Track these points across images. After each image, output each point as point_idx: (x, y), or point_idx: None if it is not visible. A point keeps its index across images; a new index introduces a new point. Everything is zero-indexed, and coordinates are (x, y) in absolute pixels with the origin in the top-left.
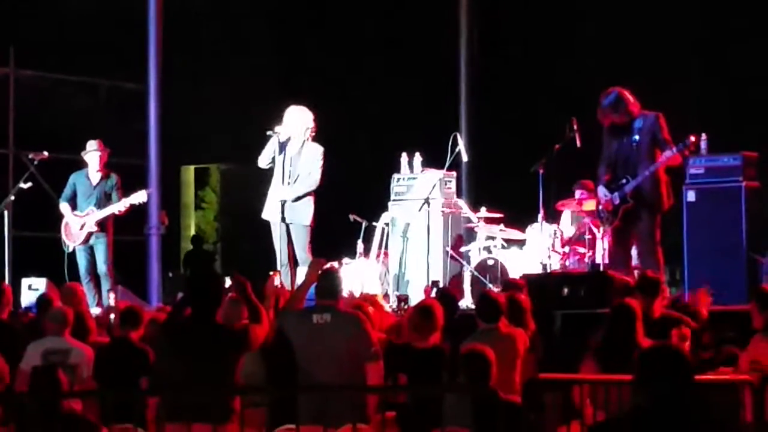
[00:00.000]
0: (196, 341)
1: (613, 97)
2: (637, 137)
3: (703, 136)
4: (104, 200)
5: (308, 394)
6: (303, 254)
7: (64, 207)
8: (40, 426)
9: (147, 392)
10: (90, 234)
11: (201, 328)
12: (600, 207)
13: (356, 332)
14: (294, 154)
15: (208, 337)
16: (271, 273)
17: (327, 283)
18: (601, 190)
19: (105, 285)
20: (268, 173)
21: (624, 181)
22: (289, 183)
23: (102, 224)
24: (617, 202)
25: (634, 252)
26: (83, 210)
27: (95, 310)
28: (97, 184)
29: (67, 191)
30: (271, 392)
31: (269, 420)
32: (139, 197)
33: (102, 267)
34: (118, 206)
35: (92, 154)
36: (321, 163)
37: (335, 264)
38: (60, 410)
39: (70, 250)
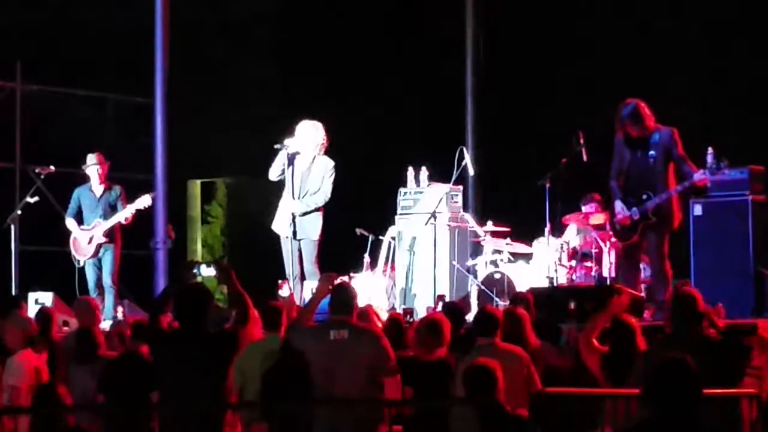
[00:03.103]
0: (185, 352)
1: (632, 108)
2: (653, 152)
3: (710, 149)
4: (109, 212)
5: (321, 408)
6: (311, 267)
7: (70, 223)
8: None
9: (150, 407)
10: (99, 246)
11: (189, 338)
12: (615, 221)
13: (376, 347)
14: (304, 169)
15: (196, 348)
16: (280, 282)
17: (341, 297)
18: (619, 205)
19: (109, 297)
20: (274, 187)
21: (645, 197)
22: (299, 197)
23: (110, 235)
24: (637, 217)
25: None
26: (90, 223)
27: (103, 324)
28: (101, 196)
29: (71, 206)
30: (275, 407)
31: None
32: (143, 201)
33: (107, 279)
34: (124, 213)
35: (92, 168)
36: (331, 178)
37: (345, 278)
38: (62, 426)
39: (81, 264)
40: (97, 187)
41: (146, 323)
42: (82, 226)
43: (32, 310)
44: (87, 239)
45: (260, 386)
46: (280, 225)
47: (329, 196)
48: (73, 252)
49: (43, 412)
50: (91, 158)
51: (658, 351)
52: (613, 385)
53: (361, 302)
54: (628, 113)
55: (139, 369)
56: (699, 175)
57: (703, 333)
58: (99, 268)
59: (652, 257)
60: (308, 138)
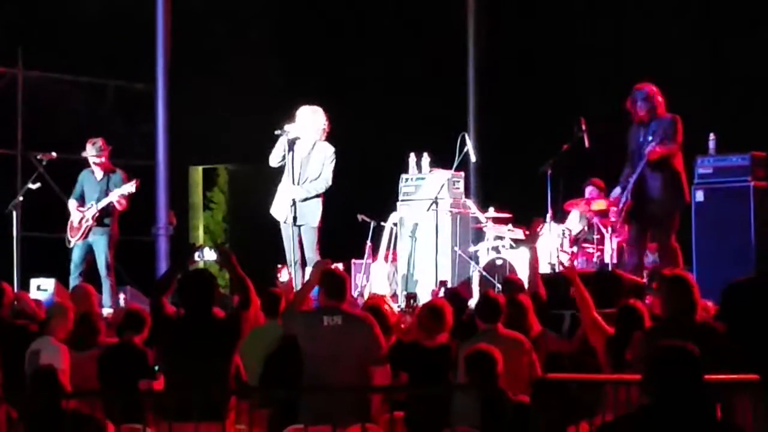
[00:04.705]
0: (191, 338)
1: (643, 91)
2: (650, 138)
3: (712, 135)
4: (106, 196)
5: (316, 394)
6: (312, 254)
7: (70, 204)
8: (47, 427)
9: (149, 393)
10: (88, 228)
11: (194, 323)
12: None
13: (367, 335)
14: (304, 155)
15: (203, 333)
16: (279, 265)
17: (334, 284)
18: (616, 190)
19: (105, 286)
20: (276, 173)
21: (631, 179)
22: (299, 183)
23: (99, 219)
24: (623, 200)
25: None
26: (87, 205)
27: (104, 311)
28: (101, 179)
29: (76, 189)
30: (279, 393)
31: (272, 421)
32: (128, 188)
33: (102, 269)
34: (110, 198)
35: (93, 160)
36: (332, 163)
37: (340, 265)
38: (64, 410)
39: (71, 245)
40: (98, 171)
41: (139, 313)
42: (79, 208)
43: (34, 296)
44: (78, 220)
45: (262, 372)
46: (278, 210)
47: (330, 182)
48: (67, 233)
49: (42, 398)
50: (91, 149)
51: (651, 339)
52: (616, 369)
53: (364, 288)
54: (635, 94)
55: (133, 360)
56: (646, 149)
57: (699, 321)
58: (87, 252)
59: (657, 242)
60: (308, 123)
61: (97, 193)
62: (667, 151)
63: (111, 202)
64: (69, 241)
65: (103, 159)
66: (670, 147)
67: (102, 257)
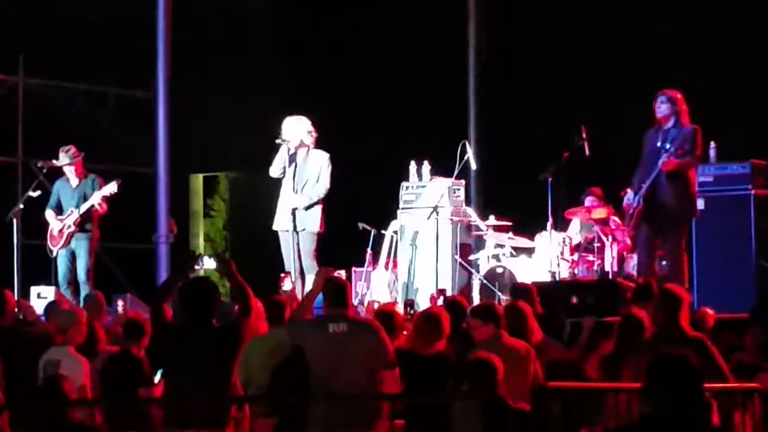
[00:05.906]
0: (192, 345)
1: (668, 95)
2: (668, 145)
3: (712, 144)
4: (84, 201)
5: (321, 402)
6: (308, 261)
7: (48, 214)
8: None
9: (149, 401)
10: (71, 235)
11: (195, 331)
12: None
13: (374, 340)
14: (300, 162)
15: (204, 341)
16: (282, 275)
17: (337, 291)
18: (629, 195)
19: (84, 292)
20: (276, 181)
21: (643, 185)
22: (297, 191)
23: (81, 225)
24: (635, 204)
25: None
26: (65, 213)
27: None
28: (77, 186)
29: (51, 200)
30: (282, 401)
31: (277, 430)
32: (110, 188)
33: (81, 275)
34: (92, 201)
35: (66, 168)
36: (329, 169)
37: (342, 272)
38: (67, 420)
39: (54, 255)
40: (73, 178)
41: (138, 321)
42: (58, 216)
43: (34, 304)
44: (59, 228)
45: (269, 381)
46: (280, 221)
47: (328, 187)
48: (48, 242)
49: (45, 408)
50: (64, 158)
51: (639, 350)
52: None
53: (365, 296)
54: (661, 96)
55: (130, 369)
56: (661, 159)
57: (688, 333)
58: (71, 261)
59: (665, 250)
60: (297, 132)
61: (75, 200)
62: (682, 164)
63: (92, 207)
64: (51, 251)
65: (74, 166)
66: (687, 160)
67: (83, 262)
